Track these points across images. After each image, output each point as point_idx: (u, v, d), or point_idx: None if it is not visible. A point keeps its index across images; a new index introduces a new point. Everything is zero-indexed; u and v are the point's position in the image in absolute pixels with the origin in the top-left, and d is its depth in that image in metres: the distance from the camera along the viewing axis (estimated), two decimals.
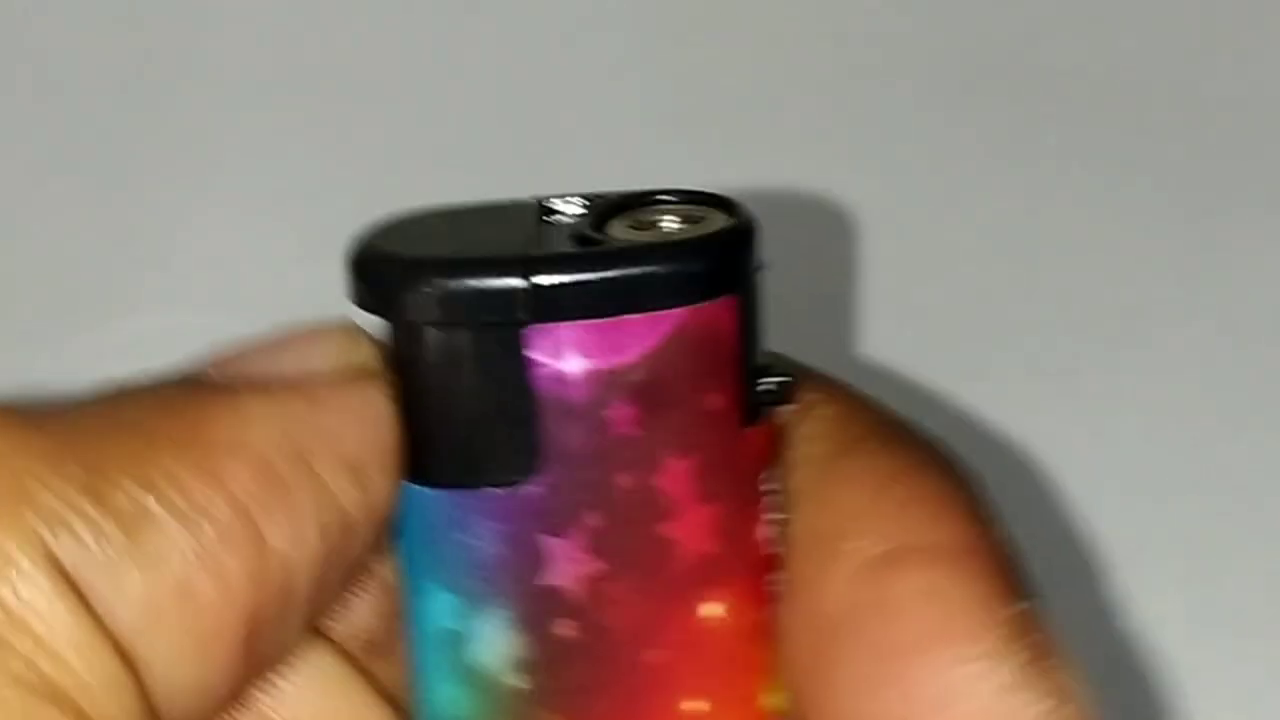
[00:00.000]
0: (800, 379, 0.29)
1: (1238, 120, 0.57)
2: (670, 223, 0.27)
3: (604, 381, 0.26)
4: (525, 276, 0.26)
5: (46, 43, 0.57)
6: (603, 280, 0.26)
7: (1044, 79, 0.58)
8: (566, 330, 0.26)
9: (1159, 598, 0.49)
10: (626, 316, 0.26)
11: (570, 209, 0.28)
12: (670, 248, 0.27)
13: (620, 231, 0.27)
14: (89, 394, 0.27)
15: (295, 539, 0.26)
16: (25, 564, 0.24)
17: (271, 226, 0.55)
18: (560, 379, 0.26)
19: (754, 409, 0.27)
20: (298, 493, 0.26)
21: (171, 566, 0.25)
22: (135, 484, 0.25)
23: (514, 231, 0.28)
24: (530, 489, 0.27)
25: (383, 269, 0.29)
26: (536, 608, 0.27)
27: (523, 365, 0.26)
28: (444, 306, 0.26)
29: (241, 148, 0.56)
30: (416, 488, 0.27)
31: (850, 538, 0.27)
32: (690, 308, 0.26)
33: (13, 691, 0.23)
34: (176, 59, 0.57)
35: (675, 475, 0.26)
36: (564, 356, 0.26)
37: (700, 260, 0.26)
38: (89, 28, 0.57)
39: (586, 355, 0.26)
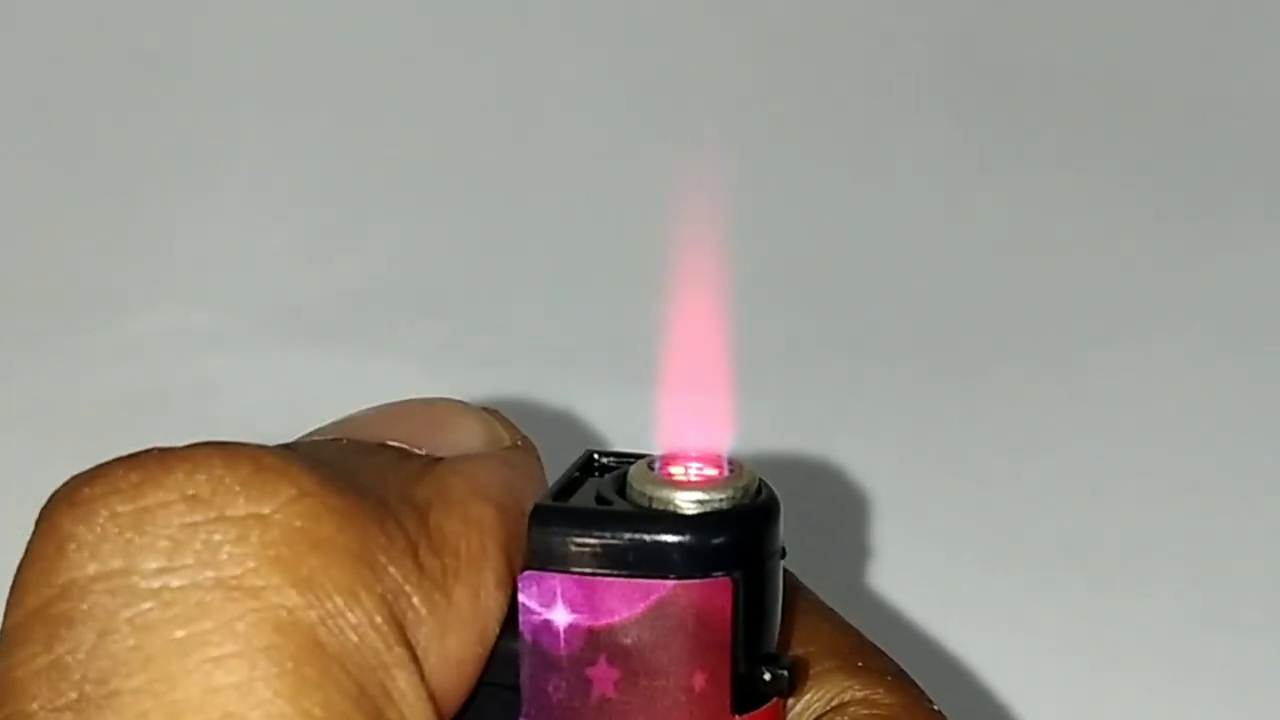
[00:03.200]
0: (831, 668, 0.28)
1: (1230, 124, 0.57)
2: (691, 494, 0.27)
3: (588, 639, 0.26)
4: (532, 524, 0.27)
5: (46, 46, 0.57)
6: (597, 540, 0.26)
7: (1035, 82, 0.58)
8: (558, 581, 0.26)
9: (1154, 596, 0.49)
10: (616, 578, 0.26)
11: (617, 463, 0.28)
12: (668, 519, 0.26)
13: (634, 484, 0.27)
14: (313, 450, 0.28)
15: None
16: (395, 646, 0.25)
17: (271, 228, 0.55)
18: (547, 629, 0.26)
19: (751, 696, 0.27)
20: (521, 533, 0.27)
21: (477, 620, 0.26)
22: (429, 545, 0.26)
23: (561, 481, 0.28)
24: None
25: None
26: None
27: (516, 610, 0.27)
28: None
29: (241, 151, 0.56)
30: None
31: None
32: (680, 582, 0.26)
33: None
34: (176, 62, 0.57)
35: None
36: (552, 607, 0.26)
37: (696, 536, 0.26)
38: (89, 31, 0.57)
39: (573, 609, 0.26)
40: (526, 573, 0.26)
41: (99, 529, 0.24)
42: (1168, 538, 0.50)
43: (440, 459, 0.28)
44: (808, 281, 0.55)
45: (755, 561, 0.27)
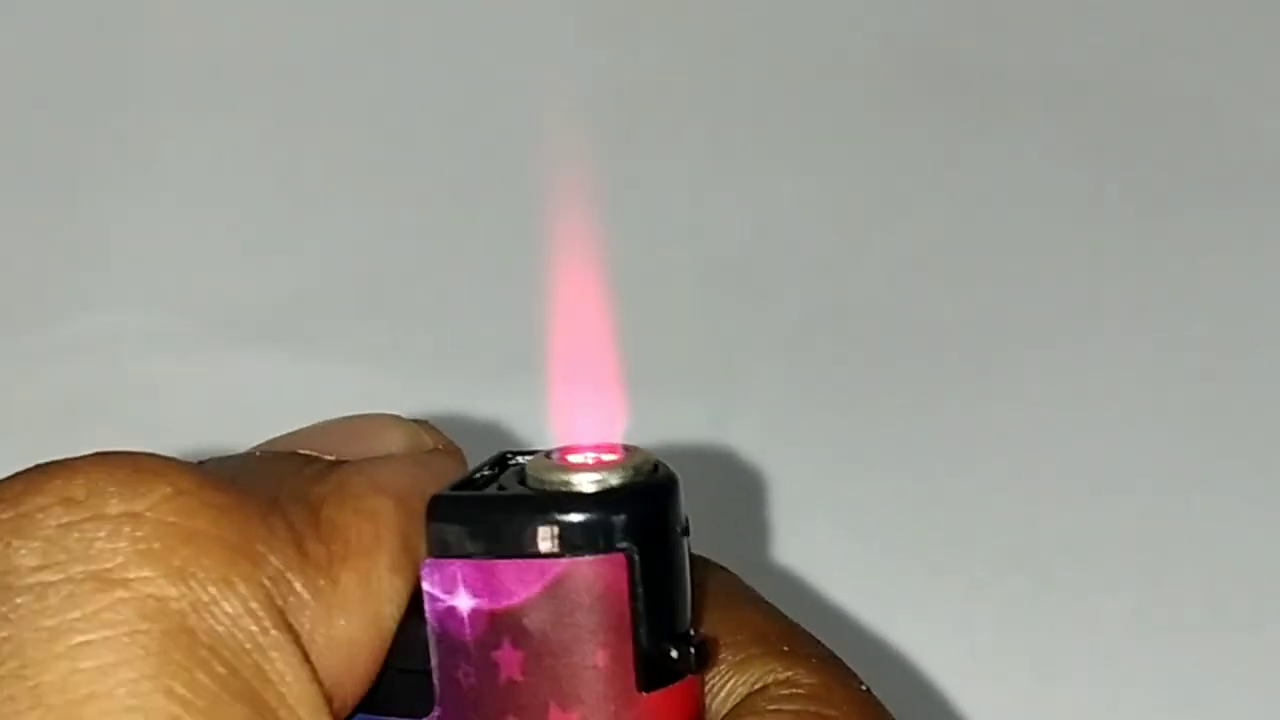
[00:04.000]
0: (757, 654, 0.29)
1: (1185, 120, 0.58)
2: (585, 475, 0.27)
3: (492, 623, 0.26)
4: (429, 515, 0.27)
5: None
6: (491, 523, 0.27)
7: (988, 82, 0.58)
8: (455, 566, 0.27)
9: (1096, 596, 0.49)
10: (512, 560, 0.26)
11: (527, 459, 0.29)
12: (559, 498, 0.27)
13: (539, 477, 0.27)
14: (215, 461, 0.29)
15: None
16: (271, 629, 0.26)
17: (210, 229, 0.54)
18: (452, 615, 0.27)
19: (659, 673, 0.27)
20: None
21: (368, 602, 0.27)
22: (317, 534, 0.27)
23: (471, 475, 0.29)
24: None
25: None
26: None
27: (422, 599, 0.27)
28: None
29: (180, 151, 0.56)
30: None
31: None
32: (573, 559, 0.26)
33: None
34: (113, 61, 0.56)
35: None
36: (455, 593, 0.27)
37: (587, 512, 0.26)
38: (28, 32, 0.56)
39: (474, 594, 0.27)
40: (428, 561, 0.27)
41: None
42: (1110, 538, 0.50)
43: (348, 461, 0.29)
44: (750, 278, 0.55)
45: (651, 537, 0.27)
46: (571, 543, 0.26)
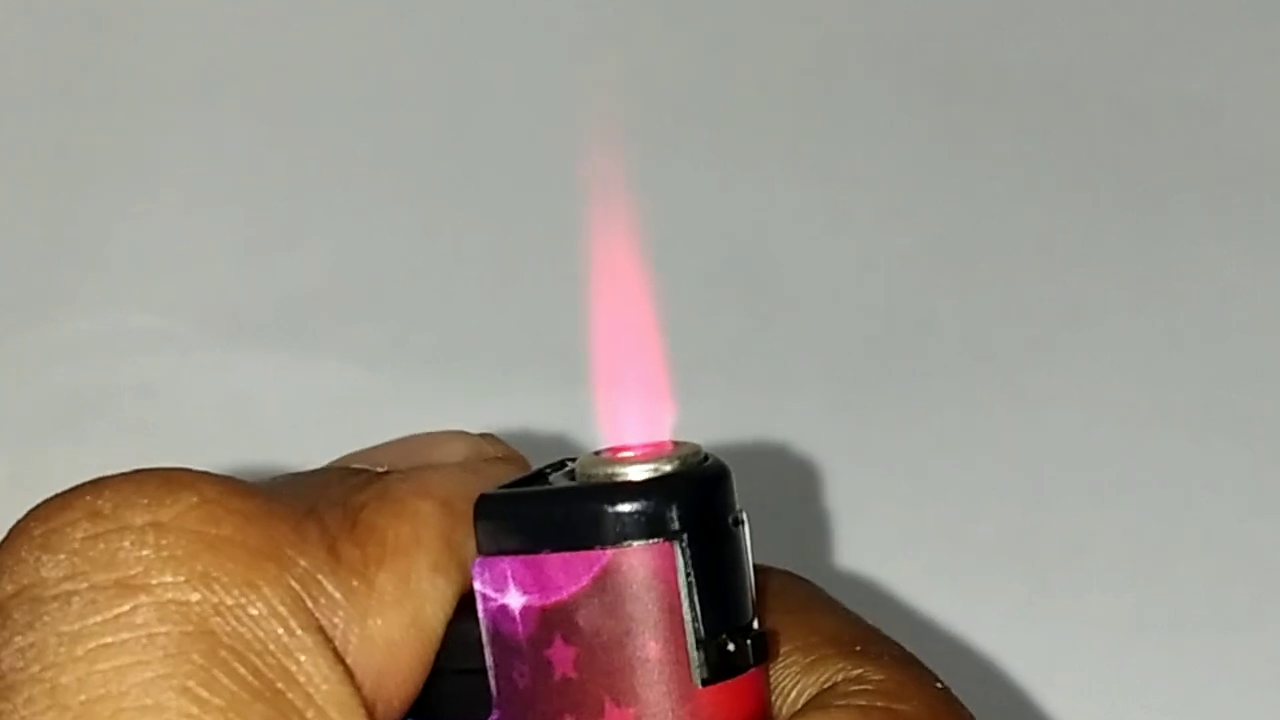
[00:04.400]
0: (829, 654, 0.29)
1: (1179, 120, 0.57)
2: (633, 467, 0.27)
3: (544, 619, 0.26)
4: (476, 513, 0.27)
5: None
6: (538, 517, 0.26)
7: (975, 83, 0.58)
8: (506, 563, 0.26)
9: (1093, 598, 0.49)
10: (558, 553, 0.26)
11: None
12: (604, 489, 0.26)
13: (587, 472, 0.27)
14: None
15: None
16: (298, 630, 0.26)
17: (210, 229, 0.54)
18: (505, 614, 0.26)
19: (717, 666, 0.26)
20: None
21: (407, 602, 0.27)
22: (351, 537, 0.27)
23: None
24: None
25: None
26: None
27: (475, 599, 0.27)
28: None
29: (180, 150, 0.56)
30: None
31: None
32: (620, 549, 0.26)
33: None
34: (113, 60, 0.56)
35: None
36: (506, 591, 0.26)
37: (632, 501, 0.26)
38: (26, 28, 0.56)
39: (525, 590, 0.26)
40: (478, 559, 0.27)
41: (18, 554, 0.27)
42: (1106, 539, 0.50)
43: (392, 470, 0.29)
44: (744, 280, 0.55)
45: (700, 525, 0.26)
46: (618, 532, 0.26)
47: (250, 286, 0.53)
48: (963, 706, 0.29)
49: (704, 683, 0.26)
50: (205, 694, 0.25)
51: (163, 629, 0.25)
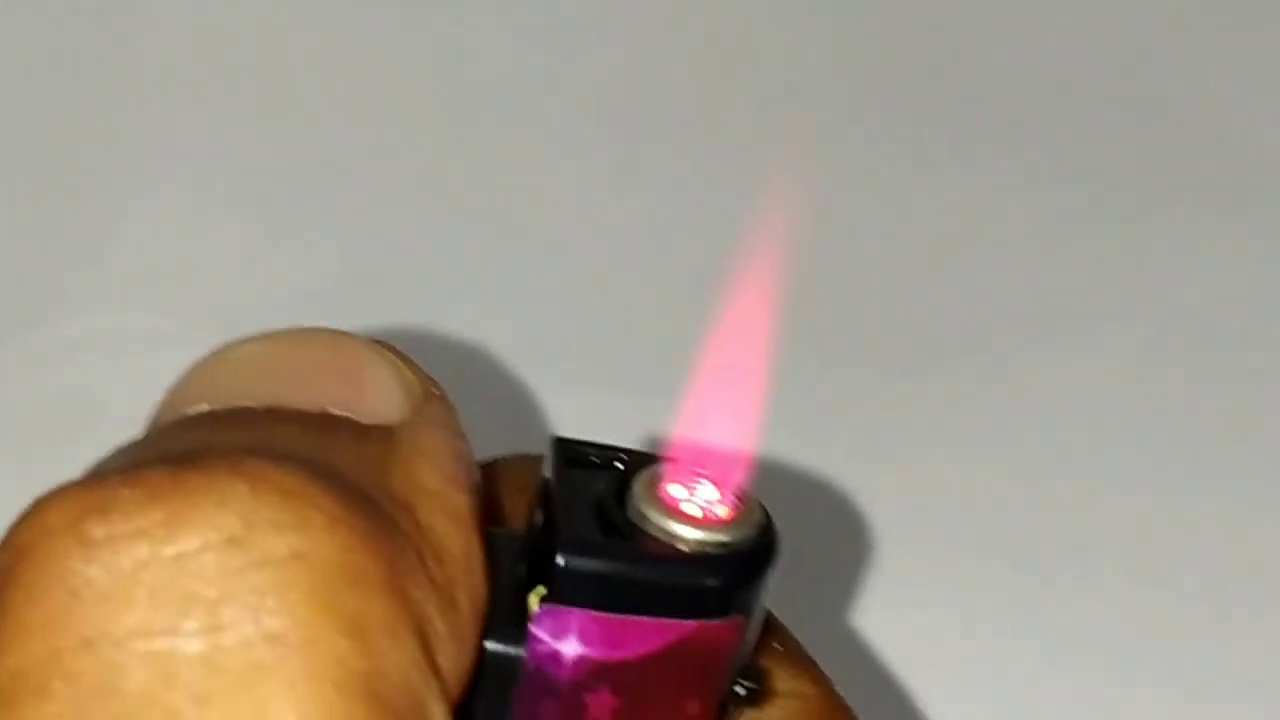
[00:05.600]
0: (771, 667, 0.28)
1: (1178, 117, 0.58)
2: (711, 534, 0.26)
3: (595, 671, 0.26)
4: (551, 554, 0.25)
5: None
6: (623, 579, 0.26)
7: (976, 81, 0.58)
8: (574, 616, 0.26)
9: (1095, 596, 0.49)
10: (638, 618, 0.26)
11: (590, 455, 0.28)
12: (698, 562, 0.26)
13: (642, 509, 0.26)
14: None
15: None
16: (430, 679, 0.23)
17: (209, 229, 0.54)
18: (554, 659, 0.26)
19: (725, 709, 0.27)
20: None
21: (477, 623, 0.24)
22: (431, 552, 0.24)
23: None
24: None
25: None
26: None
27: (523, 636, 0.26)
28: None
29: (179, 151, 0.56)
30: None
31: None
32: (699, 623, 0.26)
33: None
34: (116, 59, 0.56)
35: None
36: (564, 640, 0.26)
37: (723, 579, 0.26)
38: (27, 29, 0.56)
39: (586, 643, 0.26)
40: (547, 607, 0.26)
41: (128, 575, 0.22)
42: (1108, 537, 0.50)
43: (389, 430, 0.25)
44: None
45: (761, 597, 0.27)
46: (700, 608, 0.26)
47: (251, 287, 0.53)
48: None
49: None
50: None
51: (338, 700, 0.21)
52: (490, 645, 0.26)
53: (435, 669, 0.23)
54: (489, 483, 0.28)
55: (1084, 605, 0.49)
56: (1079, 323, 0.54)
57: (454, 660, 0.23)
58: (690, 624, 0.26)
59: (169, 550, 0.22)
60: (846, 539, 0.50)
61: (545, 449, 0.28)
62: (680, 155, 0.56)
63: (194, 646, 0.21)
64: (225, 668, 0.21)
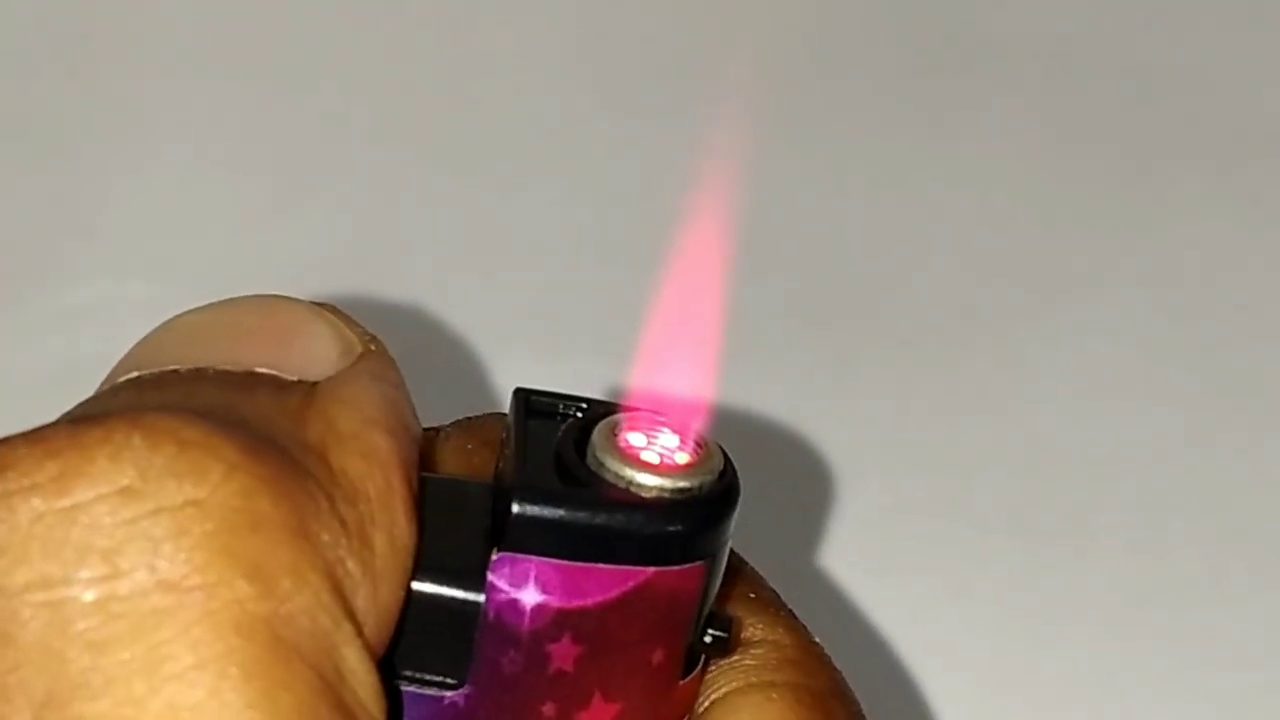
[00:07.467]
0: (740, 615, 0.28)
1: (1175, 88, 0.57)
2: (669, 480, 0.26)
3: (555, 619, 0.26)
4: (507, 502, 0.25)
5: None
6: (580, 526, 0.26)
7: (970, 53, 0.58)
8: (532, 564, 0.26)
9: (1092, 566, 0.49)
10: (595, 565, 0.26)
11: (553, 406, 0.27)
12: (656, 509, 0.26)
13: (601, 456, 0.26)
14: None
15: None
16: (342, 620, 0.23)
17: (208, 198, 0.54)
18: (513, 607, 0.26)
19: (694, 660, 0.27)
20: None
21: (398, 563, 0.24)
22: (342, 494, 0.24)
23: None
24: (451, 698, 0.26)
25: None
26: None
27: (482, 583, 0.26)
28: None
29: (178, 119, 0.56)
30: None
31: None
32: (658, 569, 0.26)
33: None
34: (111, 28, 0.56)
35: (599, 715, 0.26)
36: (523, 588, 0.26)
37: (682, 525, 0.26)
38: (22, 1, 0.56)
39: (545, 591, 0.26)
40: (501, 555, 0.26)
41: (23, 529, 0.22)
42: (1106, 507, 0.50)
43: (314, 384, 0.26)
44: (741, 248, 0.55)
45: (724, 543, 0.26)
46: (659, 554, 0.26)
47: (248, 255, 0.53)
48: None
49: (684, 677, 0.27)
50: (298, 717, 0.22)
51: (238, 642, 0.22)
52: (451, 592, 0.26)
53: (348, 611, 0.23)
54: (468, 438, 0.28)
55: (1080, 577, 0.49)
56: (1077, 292, 0.54)
57: (371, 601, 0.23)
58: (649, 570, 0.26)
59: (63, 503, 0.22)
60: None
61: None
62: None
63: (89, 595, 0.22)
64: (120, 614, 0.21)
